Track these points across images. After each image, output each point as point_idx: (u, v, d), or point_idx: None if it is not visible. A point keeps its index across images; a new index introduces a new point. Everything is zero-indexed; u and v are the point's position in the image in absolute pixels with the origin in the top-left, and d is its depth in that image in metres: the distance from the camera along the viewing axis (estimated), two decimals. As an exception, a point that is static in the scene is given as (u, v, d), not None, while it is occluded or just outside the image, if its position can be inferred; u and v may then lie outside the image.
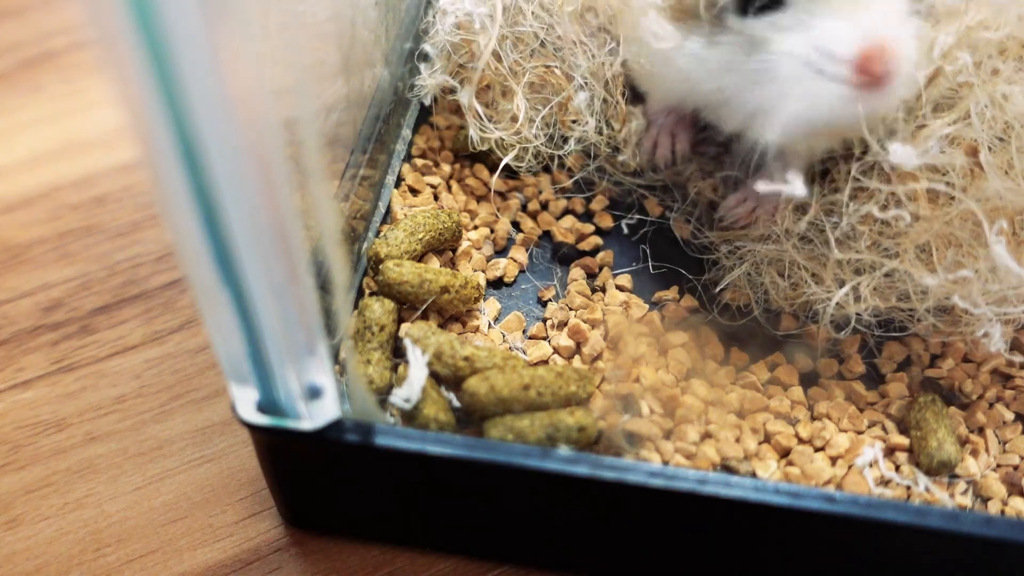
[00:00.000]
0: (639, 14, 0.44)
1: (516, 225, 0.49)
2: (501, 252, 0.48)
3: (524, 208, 0.50)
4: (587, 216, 0.50)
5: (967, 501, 0.40)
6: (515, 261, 0.48)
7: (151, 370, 0.48)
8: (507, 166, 0.49)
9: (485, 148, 0.49)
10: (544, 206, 0.50)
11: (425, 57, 0.51)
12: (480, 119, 0.49)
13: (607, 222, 0.49)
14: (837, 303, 0.42)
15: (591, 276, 0.47)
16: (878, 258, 0.42)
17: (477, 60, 0.49)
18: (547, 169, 0.51)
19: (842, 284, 0.42)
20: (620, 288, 0.47)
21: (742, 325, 0.45)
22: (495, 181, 0.50)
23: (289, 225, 0.29)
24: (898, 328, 0.44)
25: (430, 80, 0.50)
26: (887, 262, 0.41)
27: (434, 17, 0.50)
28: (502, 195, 0.50)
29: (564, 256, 0.48)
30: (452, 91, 0.50)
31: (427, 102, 0.51)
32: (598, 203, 0.50)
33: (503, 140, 0.48)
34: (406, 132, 0.52)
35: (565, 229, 0.49)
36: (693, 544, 0.39)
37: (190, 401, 0.46)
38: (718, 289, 0.46)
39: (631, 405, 0.41)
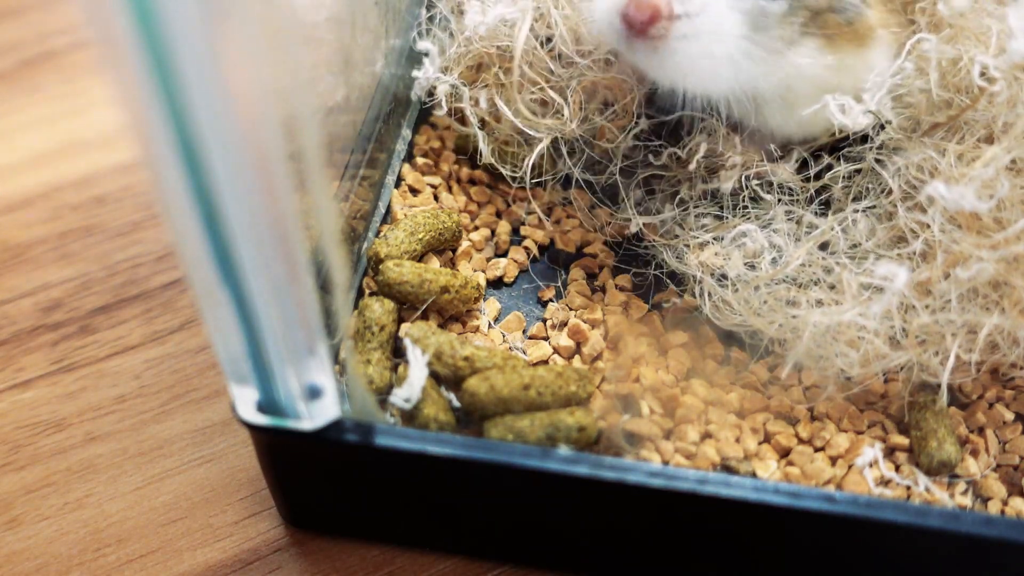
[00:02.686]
0: None
1: (516, 231, 0.49)
2: (501, 253, 0.48)
3: (527, 213, 0.49)
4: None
5: (967, 501, 0.40)
6: (515, 261, 0.47)
7: (151, 370, 0.48)
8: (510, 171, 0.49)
9: (494, 160, 0.48)
10: (548, 212, 0.49)
11: (424, 57, 0.50)
12: (491, 125, 0.47)
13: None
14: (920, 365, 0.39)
15: (591, 276, 0.47)
16: (980, 317, 0.38)
17: (499, 62, 0.47)
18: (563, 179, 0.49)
19: (922, 342, 0.39)
20: (620, 288, 0.46)
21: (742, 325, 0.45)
22: (496, 183, 0.50)
23: (289, 225, 0.29)
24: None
25: (441, 84, 0.48)
26: (988, 318, 0.38)
27: (450, 19, 0.49)
28: (505, 199, 0.50)
29: (565, 257, 0.48)
30: (459, 97, 0.48)
31: (443, 109, 0.48)
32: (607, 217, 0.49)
33: (514, 152, 0.47)
34: (406, 132, 0.52)
35: (567, 238, 0.48)
36: (693, 544, 0.39)
37: (190, 401, 0.47)
38: (784, 372, 0.41)
39: (631, 405, 0.41)
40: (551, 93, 0.47)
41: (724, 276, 0.43)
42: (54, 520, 0.43)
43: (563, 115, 0.46)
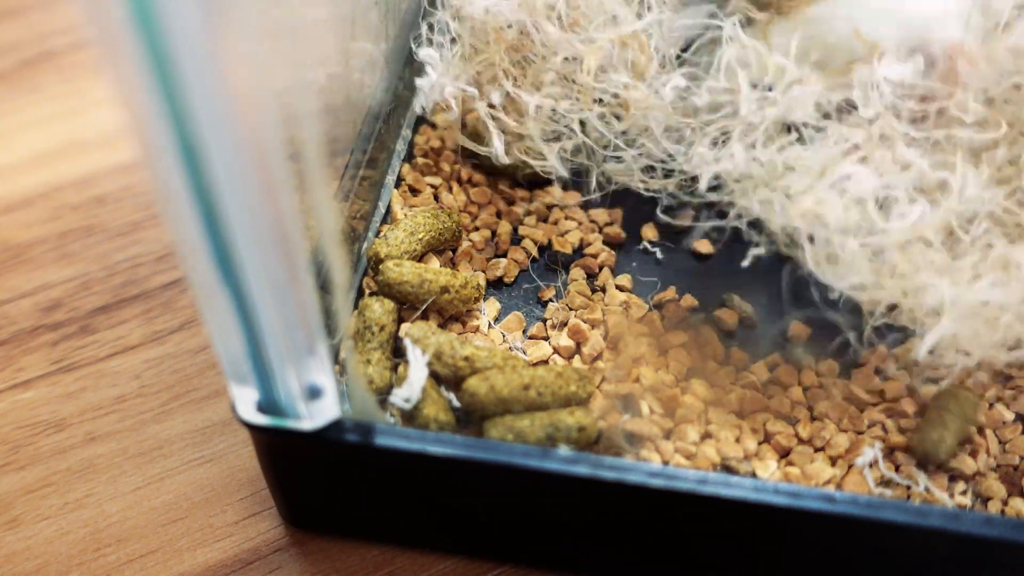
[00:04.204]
0: None
1: (516, 230, 0.49)
2: (502, 253, 0.48)
3: (528, 213, 0.49)
4: (596, 229, 0.49)
5: (967, 501, 0.40)
6: (515, 262, 0.47)
7: (151, 370, 0.48)
8: (512, 173, 0.48)
9: (510, 161, 0.45)
10: (544, 219, 0.49)
11: (423, 66, 0.47)
12: (502, 125, 0.45)
13: (618, 234, 0.49)
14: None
15: (591, 276, 0.47)
16: None
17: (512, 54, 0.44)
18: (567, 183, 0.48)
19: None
20: (620, 288, 0.47)
21: (742, 325, 0.45)
22: (498, 184, 0.50)
23: (289, 225, 0.29)
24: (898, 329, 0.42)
25: (448, 88, 0.45)
26: None
27: (450, 18, 0.46)
28: (506, 199, 0.50)
29: (564, 258, 0.48)
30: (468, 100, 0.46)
31: (451, 115, 0.46)
32: (611, 216, 0.49)
33: (528, 152, 0.45)
34: (406, 132, 0.52)
35: (566, 241, 0.48)
36: (693, 544, 0.39)
37: (190, 401, 0.47)
38: (923, 351, 0.36)
39: (631, 405, 0.41)
40: (576, 45, 0.43)
41: (825, 227, 0.37)
42: (54, 520, 0.43)
43: (578, 87, 0.42)
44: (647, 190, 0.45)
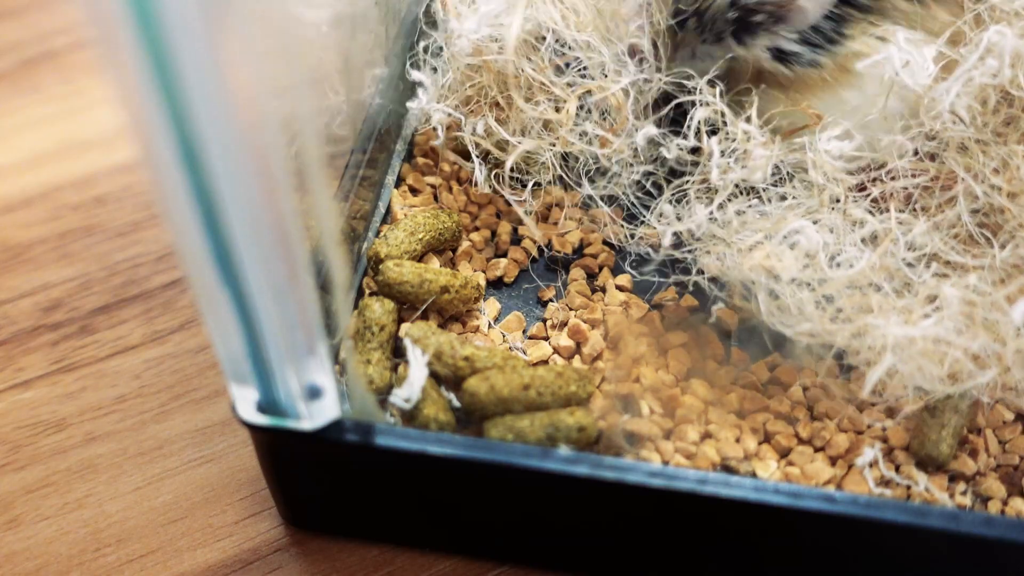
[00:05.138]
0: None
1: (515, 230, 0.49)
2: (502, 253, 0.48)
3: (528, 213, 0.49)
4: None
5: (967, 501, 0.40)
6: (515, 261, 0.47)
7: (151, 370, 0.48)
8: (514, 176, 0.49)
9: (488, 190, 0.47)
10: (544, 219, 0.49)
11: (418, 88, 0.49)
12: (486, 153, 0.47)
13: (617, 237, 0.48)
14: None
15: (591, 276, 0.47)
16: None
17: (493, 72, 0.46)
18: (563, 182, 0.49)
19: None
20: (620, 288, 0.47)
21: (742, 325, 0.45)
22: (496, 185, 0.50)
23: (289, 225, 0.29)
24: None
25: (437, 115, 0.47)
26: None
27: (444, 43, 0.48)
28: (506, 199, 0.50)
29: (564, 258, 0.48)
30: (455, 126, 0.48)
31: (436, 141, 0.48)
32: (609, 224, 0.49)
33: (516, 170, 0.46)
34: (406, 132, 0.52)
35: (566, 240, 0.48)
36: (693, 544, 0.39)
37: (190, 401, 0.47)
38: (865, 391, 0.38)
39: (631, 405, 0.41)
40: (554, 90, 0.45)
41: (776, 279, 0.40)
42: (54, 520, 0.43)
43: (560, 125, 0.45)
44: (617, 241, 0.48)
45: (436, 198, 0.49)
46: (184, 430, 0.45)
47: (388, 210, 0.48)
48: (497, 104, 0.47)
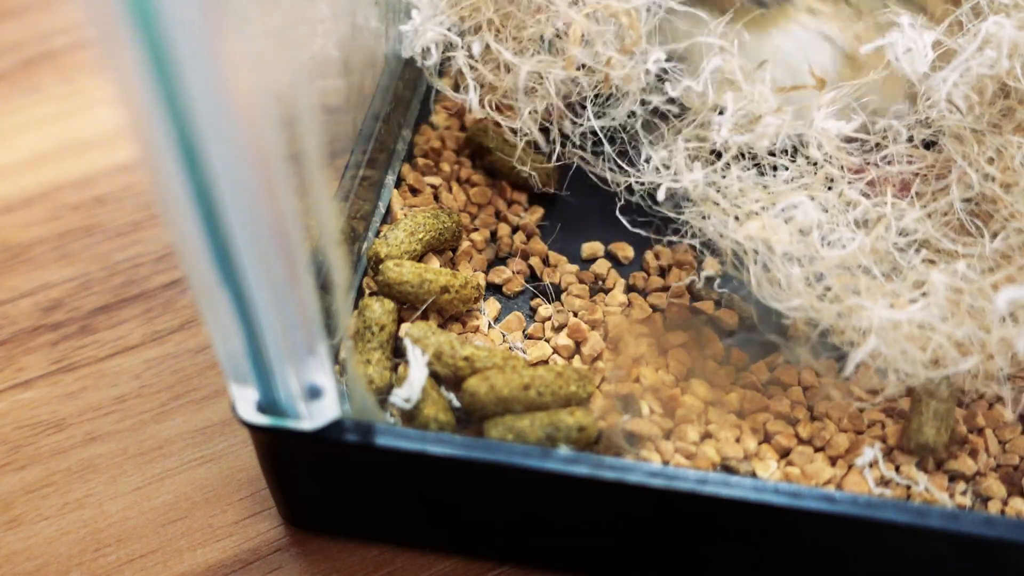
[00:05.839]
0: None
1: (515, 230, 0.49)
2: (502, 254, 0.48)
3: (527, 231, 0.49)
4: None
5: (967, 501, 0.40)
6: (516, 274, 0.47)
7: (151, 370, 0.48)
8: (514, 178, 0.48)
9: (482, 116, 0.45)
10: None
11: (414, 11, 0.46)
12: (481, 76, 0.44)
13: (627, 253, 0.48)
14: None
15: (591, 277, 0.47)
16: None
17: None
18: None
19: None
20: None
21: (742, 325, 0.45)
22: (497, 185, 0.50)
23: (289, 225, 0.29)
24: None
25: (430, 33, 0.44)
26: None
27: None
28: (506, 200, 0.50)
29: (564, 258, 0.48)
30: (450, 47, 0.45)
31: (429, 61, 0.45)
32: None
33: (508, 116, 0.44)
34: (406, 132, 0.52)
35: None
36: (693, 544, 0.39)
37: (190, 401, 0.47)
38: (848, 370, 0.38)
39: (631, 405, 0.41)
40: (559, 5, 0.42)
41: (770, 251, 0.39)
42: (54, 520, 0.43)
43: (567, 46, 0.42)
44: (608, 184, 0.45)
45: (436, 198, 0.49)
46: (184, 430, 0.45)
47: (388, 210, 0.48)
48: (497, 31, 0.44)
